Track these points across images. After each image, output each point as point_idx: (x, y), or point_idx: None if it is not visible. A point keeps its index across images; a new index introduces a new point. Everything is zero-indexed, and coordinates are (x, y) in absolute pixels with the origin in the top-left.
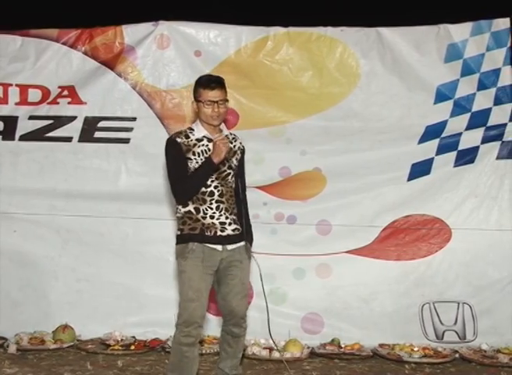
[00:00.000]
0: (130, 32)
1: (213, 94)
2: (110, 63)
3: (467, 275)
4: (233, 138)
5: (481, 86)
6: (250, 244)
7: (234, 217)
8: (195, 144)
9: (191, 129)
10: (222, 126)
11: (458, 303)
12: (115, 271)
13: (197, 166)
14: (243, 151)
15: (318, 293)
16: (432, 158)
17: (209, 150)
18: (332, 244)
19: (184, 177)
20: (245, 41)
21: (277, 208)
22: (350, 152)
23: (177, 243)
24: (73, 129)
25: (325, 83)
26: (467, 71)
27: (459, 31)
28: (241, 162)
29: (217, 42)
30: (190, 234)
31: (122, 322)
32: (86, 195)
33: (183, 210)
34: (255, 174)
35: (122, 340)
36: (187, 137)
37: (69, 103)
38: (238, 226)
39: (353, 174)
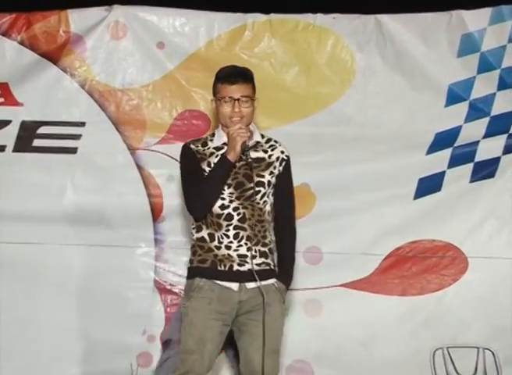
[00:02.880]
0: (78, 18)
1: (233, 90)
2: (53, 56)
3: (488, 314)
4: (271, 146)
5: (502, 84)
6: (286, 286)
7: (263, 249)
8: (212, 154)
9: (212, 135)
10: (254, 128)
11: (478, 348)
12: (57, 311)
13: None
14: (286, 164)
15: (306, 335)
16: (443, 172)
17: None
18: (322, 276)
19: (197, 186)
20: (218, 30)
21: None
22: (343, 165)
23: (186, 279)
24: (7, 136)
25: (313, 81)
26: (484, 67)
27: (475, 19)
28: (283, 178)
29: (184, 32)
30: (198, 268)
31: (66, 374)
32: (22, 217)
33: (195, 236)
34: None
35: None
36: (205, 144)
37: (1, 104)
38: (268, 261)
39: (348, 191)
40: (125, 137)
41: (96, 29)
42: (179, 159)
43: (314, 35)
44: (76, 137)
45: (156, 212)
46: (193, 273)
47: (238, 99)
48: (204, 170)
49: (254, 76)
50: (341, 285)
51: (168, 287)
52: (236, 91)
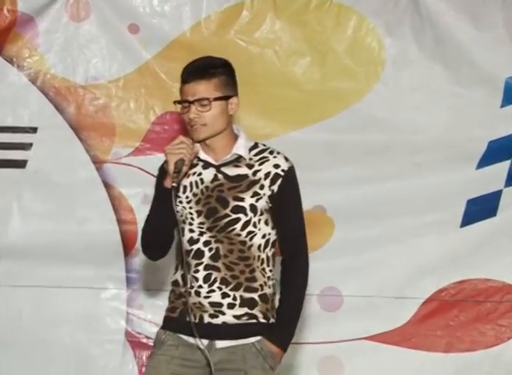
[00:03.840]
0: None
1: (187, 90)
2: None
3: None
4: (261, 159)
5: None
6: (281, 347)
7: (247, 295)
8: (187, 175)
9: None
10: (242, 140)
11: None
12: (3, 369)
13: (181, 210)
14: (284, 182)
15: None
16: (499, 192)
17: (202, 183)
18: (343, 326)
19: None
20: (207, 10)
21: None
22: (369, 182)
23: None
24: None
25: (330, 75)
26: None
27: None
28: (282, 200)
29: (164, 12)
30: (167, 318)
31: None
32: None
33: (172, 278)
34: None
35: None
36: None
37: None
38: (253, 312)
39: (375, 216)
40: (88, 146)
41: (51, 8)
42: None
43: (331, 15)
44: (25, 146)
45: (128, 244)
46: (163, 323)
47: (193, 102)
48: (178, 196)
49: (227, 66)
50: (366, 338)
51: (144, 341)
52: (189, 91)
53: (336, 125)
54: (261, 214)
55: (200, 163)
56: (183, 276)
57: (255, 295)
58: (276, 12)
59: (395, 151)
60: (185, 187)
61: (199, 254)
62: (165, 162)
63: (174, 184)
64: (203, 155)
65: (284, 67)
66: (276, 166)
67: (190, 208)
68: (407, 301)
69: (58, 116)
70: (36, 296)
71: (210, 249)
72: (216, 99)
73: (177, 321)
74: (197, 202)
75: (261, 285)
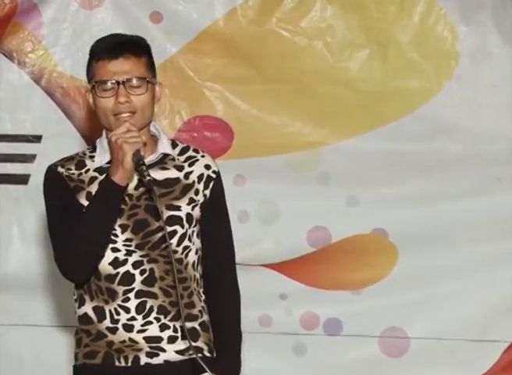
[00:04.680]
0: None
1: (112, 68)
2: None
3: None
4: (189, 159)
5: None
6: None
7: (190, 325)
8: (94, 180)
9: (92, 149)
10: (158, 131)
11: None
12: None
13: None
14: (216, 185)
15: None
16: None
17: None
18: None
19: (70, 229)
20: None
21: (305, 304)
22: (439, 200)
23: None
24: None
25: (392, 71)
26: None
27: None
28: (213, 207)
29: None
30: (85, 366)
31: None
32: None
33: (77, 313)
34: (262, 242)
35: None
36: (81, 165)
37: None
38: (199, 344)
39: (446, 242)
40: None
41: None
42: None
43: None
44: (28, 158)
45: None
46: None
47: (123, 82)
48: (82, 205)
49: (150, 47)
50: None
51: None
52: (114, 69)
53: (399, 131)
54: (195, 225)
55: None
56: (98, 309)
57: (196, 324)
58: None
59: (471, 163)
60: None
61: (128, 278)
62: (113, 152)
63: (149, 179)
64: None
65: (337, 62)
66: (207, 167)
67: None
68: (487, 344)
69: (66, 122)
70: (40, 337)
71: (142, 271)
72: (150, 81)
73: (102, 369)
74: (120, 214)
75: (200, 311)
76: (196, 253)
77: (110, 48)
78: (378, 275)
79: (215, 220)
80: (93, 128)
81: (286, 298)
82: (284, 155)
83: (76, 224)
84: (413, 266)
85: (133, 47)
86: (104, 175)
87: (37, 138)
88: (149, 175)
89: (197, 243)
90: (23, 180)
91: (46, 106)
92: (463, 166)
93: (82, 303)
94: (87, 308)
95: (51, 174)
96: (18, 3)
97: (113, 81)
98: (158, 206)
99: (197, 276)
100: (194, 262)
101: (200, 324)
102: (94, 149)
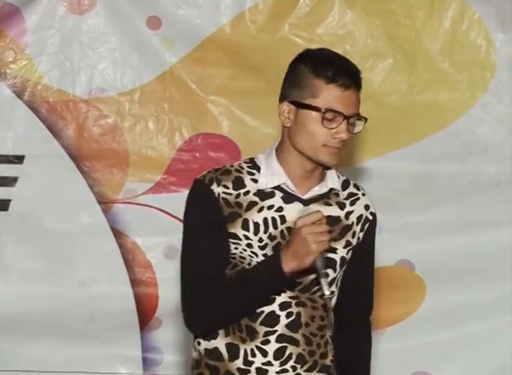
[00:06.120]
0: None
1: (348, 99)
2: None
3: None
4: (351, 196)
5: None
6: None
7: None
8: (252, 205)
9: (252, 165)
10: (330, 170)
11: None
12: None
13: (249, 258)
14: (370, 228)
15: None
16: None
17: (284, 223)
18: None
19: (215, 278)
20: None
21: None
22: (473, 228)
23: None
24: None
25: (420, 83)
26: None
27: None
28: (363, 251)
29: (196, 1)
30: None
31: None
32: None
33: (202, 346)
34: None
35: None
36: (239, 184)
37: None
38: None
39: (482, 275)
40: (92, 181)
41: None
42: (185, 206)
43: (421, 2)
44: (8, 182)
45: (146, 313)
46: None
47: (349, 118)
48: (235, 235)
49: None
50: None
51: None
52: (351, 101)
53: (428, 151)
54: (345, 269)
55: (279, 193)
56: (232, 347)
57: (328, 373)
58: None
59: (510, 186)
60: (256, 224)
61: (272, 319)
62: (294, 242)
63: (327, 292)
64: (290, 184)
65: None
66: (367, 208)
67: (264, 255)
68: None
69: (52, 140)
70: None
71: (289, 314)
72: (364, 118)
73: None
74: (275, 248)
75: (331, 361)
76: (335, 298)
77: (347, 73)
78: (404, 312)
79: (362, 266)
80: (83, 148)
81: None
82: None
83: (221, 290)
84: (442, 303)
85: (359, 78)
86: (267, 200)
87: (19, 159)
88: (326, 275)
89: (337, 287)
90: (2, 205)
91: (29, 123)
92: (501, 189)
93: (214, 336)
94: (219, 343)
95: (204, 191)
96: None
97: (342, 115)
98: (324, 287)
99: (331, 322)
100: (331, 308)
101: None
102: (253, 166)
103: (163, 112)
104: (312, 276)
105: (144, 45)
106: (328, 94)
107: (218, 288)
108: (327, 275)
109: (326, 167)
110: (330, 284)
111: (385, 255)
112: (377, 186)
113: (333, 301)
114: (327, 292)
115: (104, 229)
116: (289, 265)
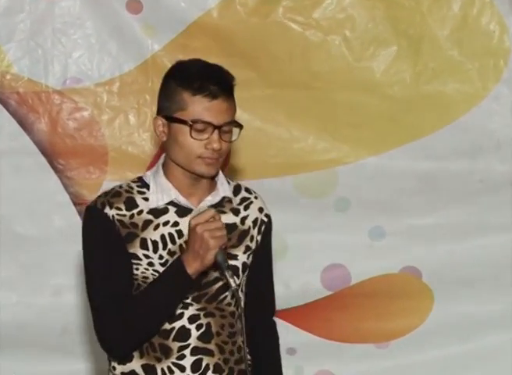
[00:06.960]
0: None
1: (216, 108)
2: None
3: None
4: (244, 201)
5: None
6: None
7: None
8: (147, 224)
9: (141, 184)
10: (220, 178)
11: None
12: None
13: (152, 277)
14: (266, 230)
15: None
16: None
17: (182, 237)
18: None
19: (124, 297)
20: None
21: (319, 361)
22: (485, 232)
23: None
24: None
25: (426, 73)
26: None
27: None
28: (262, 254)
29: None
30: None
31: None
32: None
33: (117, 370)
34: None
35: None
36: (131, 204)
37: None
38: None
39: (494, 283)
40: (67, 180)
41: None
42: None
43: None
44: None
45: None
46: None
47: (220, 127)
48: (135, 255)
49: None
50: None
51: None
52: (220, 110)
53: (435, 147)
54: (246, 274)
55: (172, 208)
56: (148, 367)
57: None
58: None
59: None
60: (155, 242)
61: (183, 333)
62: (192, 242)
63: (233, 284)
64: (181, 198)
65: (358, 62)
66: (260, 210)
67: None
68: None
69: (22, 135)
70: None
71: (198, 326)
72: (240, 126)
73: None
74: None
75: (247, 365)
76: (242, 303)
77: (210, 79)
78: (409, 325)
79: (261, 268)
80: (56, 144)
81: (295, 353)
82: (293, 176)
83: (131, 306)
84: (451, 314)
85: (230, 85)
86: (161, 217)
87: None
88: (232, 276)
89: (243, 293)
90: None
91: None
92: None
93: (129, 359)
94: (135, 365)
95: (98, 216)
96: None
97: (212, 126)
98: (229, 280)
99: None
100: (239, 314)
101: None
102: (142, 184)
103: (145, 104)
104: (217, 285)
105: (124, 31)
106: (196, 106)
107: (128, 306)
108: (229, 267)
109: (206, 178)
110: (239, 290)
111: (388, 261)
112: (378, 186)
113: (241, 307)
114: (233, 284)
115: (79, 233)
116: (192, 266)
